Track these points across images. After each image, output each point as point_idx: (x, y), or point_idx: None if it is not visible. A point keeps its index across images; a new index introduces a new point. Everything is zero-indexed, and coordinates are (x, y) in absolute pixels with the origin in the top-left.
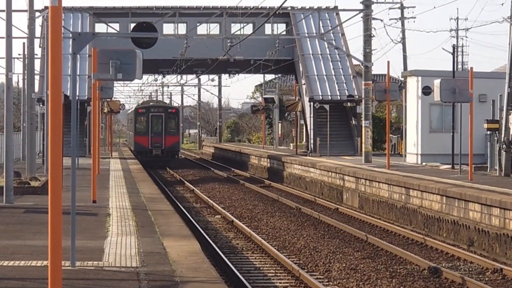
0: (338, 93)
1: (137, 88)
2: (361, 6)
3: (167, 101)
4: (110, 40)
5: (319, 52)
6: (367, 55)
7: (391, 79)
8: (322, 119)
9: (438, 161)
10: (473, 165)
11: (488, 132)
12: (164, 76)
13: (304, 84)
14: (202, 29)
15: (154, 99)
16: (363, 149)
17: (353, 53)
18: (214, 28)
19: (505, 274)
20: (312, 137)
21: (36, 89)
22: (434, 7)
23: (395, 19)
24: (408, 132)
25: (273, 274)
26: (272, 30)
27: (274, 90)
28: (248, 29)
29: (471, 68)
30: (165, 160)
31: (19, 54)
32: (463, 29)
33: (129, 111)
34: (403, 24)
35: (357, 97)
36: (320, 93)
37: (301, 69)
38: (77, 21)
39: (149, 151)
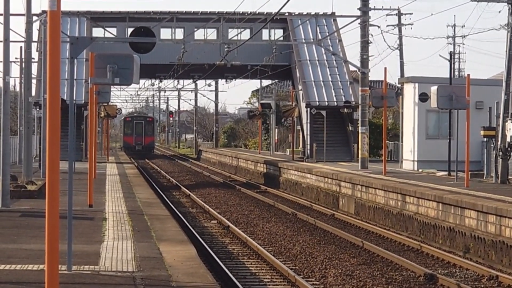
0: (335, 99)
1: (134, 92)
2: (358, 13)
3: (163, 106)
4: (107, 45)
5: (316, 58)
6: (364, 61)
7: (388, 86)
8: (318, 125)
9: (435, 168)
10: (470, 172)
11: (485, 139)
12: (161, 81)
13: (301, 89)
14: (199, 34)
15: (139, 110)
16: (359, 155)
17: (350, 59)
18: (211, 34)
19: (500, 281)
20: (308, 143)
21: (33, 93)
22: (432, 14)
23: (393, 25)
24: (405, 138)
25: (269, 280)
26: (270, 35)
27: (271, 95)
28: (246, 34)
29: (468, 75)
30: (144, 153)
31: (16, 58)
32: (460, 36)
33: (121, 119)
34: (400, 31)
35: (354, 103)
36: (317, 99)
37: (298, 74)
38: (74, 26)
39: (133, 147)
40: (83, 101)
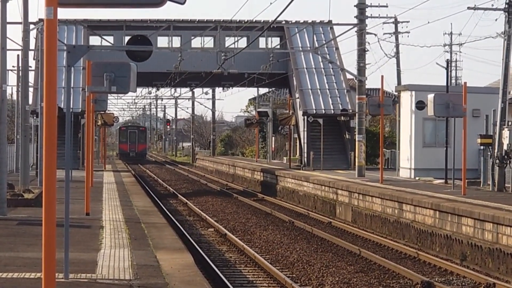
0: (332, 107)
1: (131, 101)
2: (355, 21)
3: (160, 114)
4: (104, 53)
5: (313, 66)
6: (361, 69)
7: (385, 94)
8: (315, 133)
9: (431, 176)
10: (466, 180)
11: (482, 147)
12: (158, 89)
13: (298, 98)
14: (196, 42)
15: (133, 120)
16: (356, 163)
17: (347, 67)
18: (208, 42)
19: None
20: (305, 151)
21: (30, 101)
22: (428, 22)
23: (389, 33)
24: (402, 146)
25: None
26: (266, 43)
27: (268, 103)
28: (242, 42)
29: (465, 83)
30: (138, 159)
31: (13, 66)
32: (457, 44)
33: (116, 128)
34: (397, 39)
35: (351, 111)
36: (314, 107)
37: (295, 83)
38: (71, 34)
39: (128, 154)
40: (80, 110)
